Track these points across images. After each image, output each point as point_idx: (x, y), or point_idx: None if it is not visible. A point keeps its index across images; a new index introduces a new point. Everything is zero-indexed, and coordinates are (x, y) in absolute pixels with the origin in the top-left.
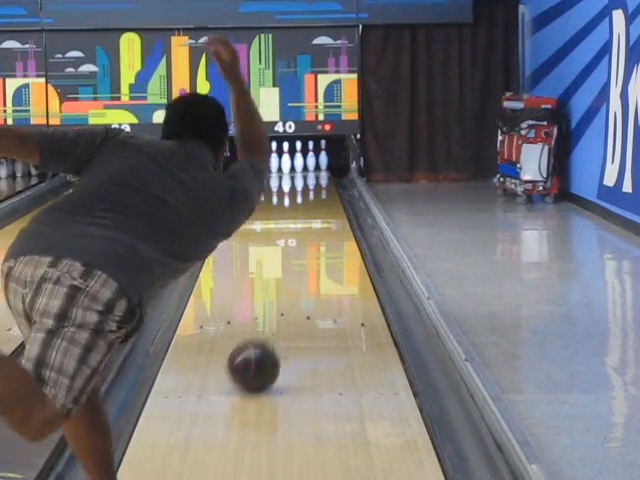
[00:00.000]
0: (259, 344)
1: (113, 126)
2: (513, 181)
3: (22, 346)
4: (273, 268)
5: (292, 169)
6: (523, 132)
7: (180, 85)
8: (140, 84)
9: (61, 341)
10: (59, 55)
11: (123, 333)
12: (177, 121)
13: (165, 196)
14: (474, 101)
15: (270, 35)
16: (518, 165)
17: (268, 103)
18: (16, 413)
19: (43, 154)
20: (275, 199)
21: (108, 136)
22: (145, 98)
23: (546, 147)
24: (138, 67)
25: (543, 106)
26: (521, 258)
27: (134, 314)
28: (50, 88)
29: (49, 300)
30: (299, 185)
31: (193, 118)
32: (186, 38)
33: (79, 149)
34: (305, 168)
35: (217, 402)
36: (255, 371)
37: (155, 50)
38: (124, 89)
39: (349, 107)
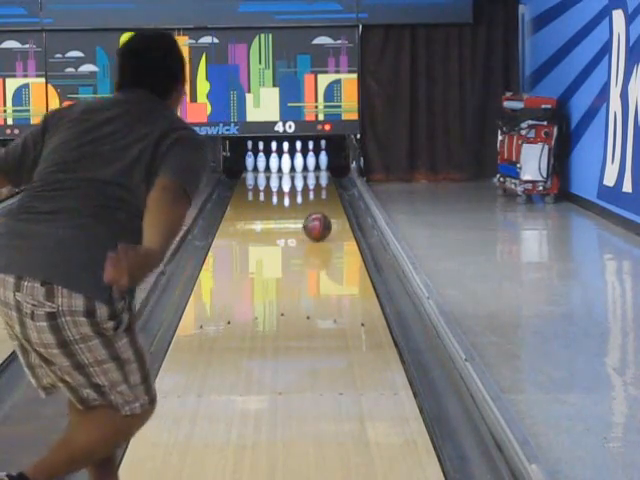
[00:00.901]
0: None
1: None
2: (513, 181)
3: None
4: (273, 268)
5: (292, 169)
6: (523, 132)
7: None
8: None
9: (92, 368)
10: (59, 55)
11: (127, 319)
12: (122, 70)
13: (111, 154)
14: (474, 101)
15: (270, 35)
16: (518, 165)
17: (268, 103)
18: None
19: (9, 176)
20: (275, 199)
21: (47, 119)
22: None
23: (546, 147)
24: None
25: (543, 106)
26: (521, 258)
27: (122, 300)
28: (50, 88)
29: (39, 335)
30: (299, 185)
31: (137, 66)
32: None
33: (33, 149)
34: (305, 168)
35: (217, 402)
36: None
37: None
38: None
39: (349, 107)
